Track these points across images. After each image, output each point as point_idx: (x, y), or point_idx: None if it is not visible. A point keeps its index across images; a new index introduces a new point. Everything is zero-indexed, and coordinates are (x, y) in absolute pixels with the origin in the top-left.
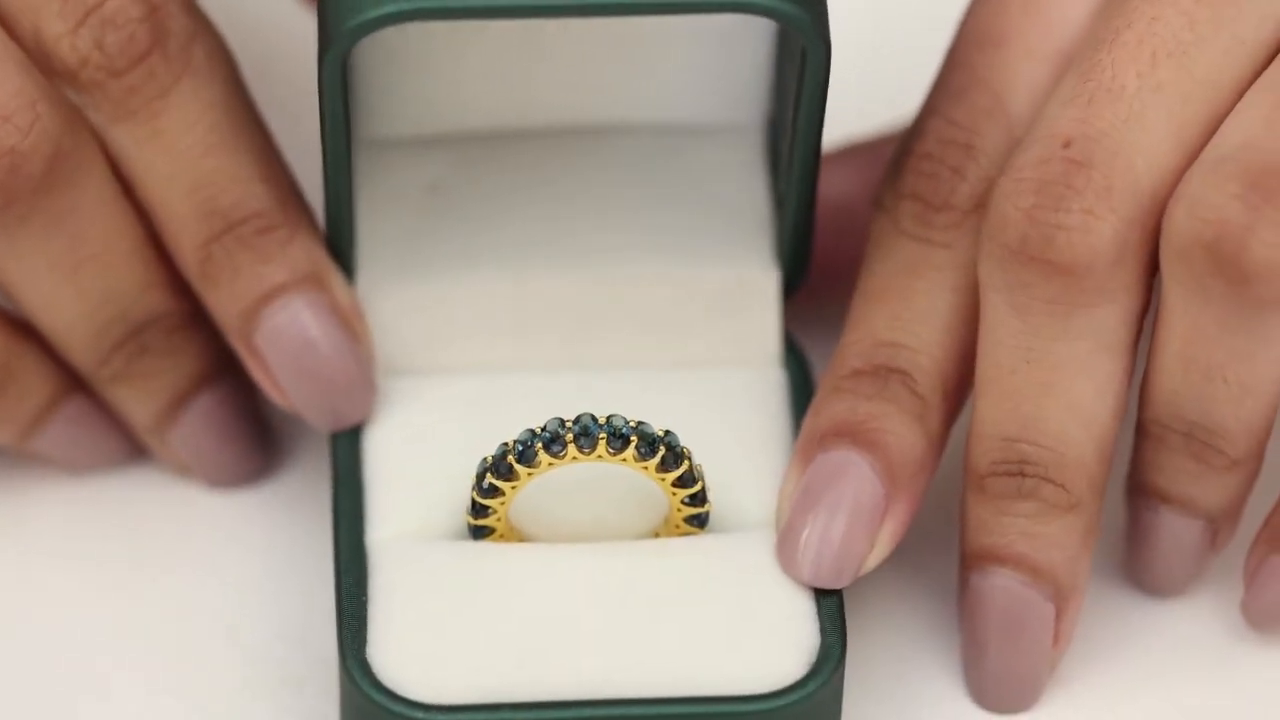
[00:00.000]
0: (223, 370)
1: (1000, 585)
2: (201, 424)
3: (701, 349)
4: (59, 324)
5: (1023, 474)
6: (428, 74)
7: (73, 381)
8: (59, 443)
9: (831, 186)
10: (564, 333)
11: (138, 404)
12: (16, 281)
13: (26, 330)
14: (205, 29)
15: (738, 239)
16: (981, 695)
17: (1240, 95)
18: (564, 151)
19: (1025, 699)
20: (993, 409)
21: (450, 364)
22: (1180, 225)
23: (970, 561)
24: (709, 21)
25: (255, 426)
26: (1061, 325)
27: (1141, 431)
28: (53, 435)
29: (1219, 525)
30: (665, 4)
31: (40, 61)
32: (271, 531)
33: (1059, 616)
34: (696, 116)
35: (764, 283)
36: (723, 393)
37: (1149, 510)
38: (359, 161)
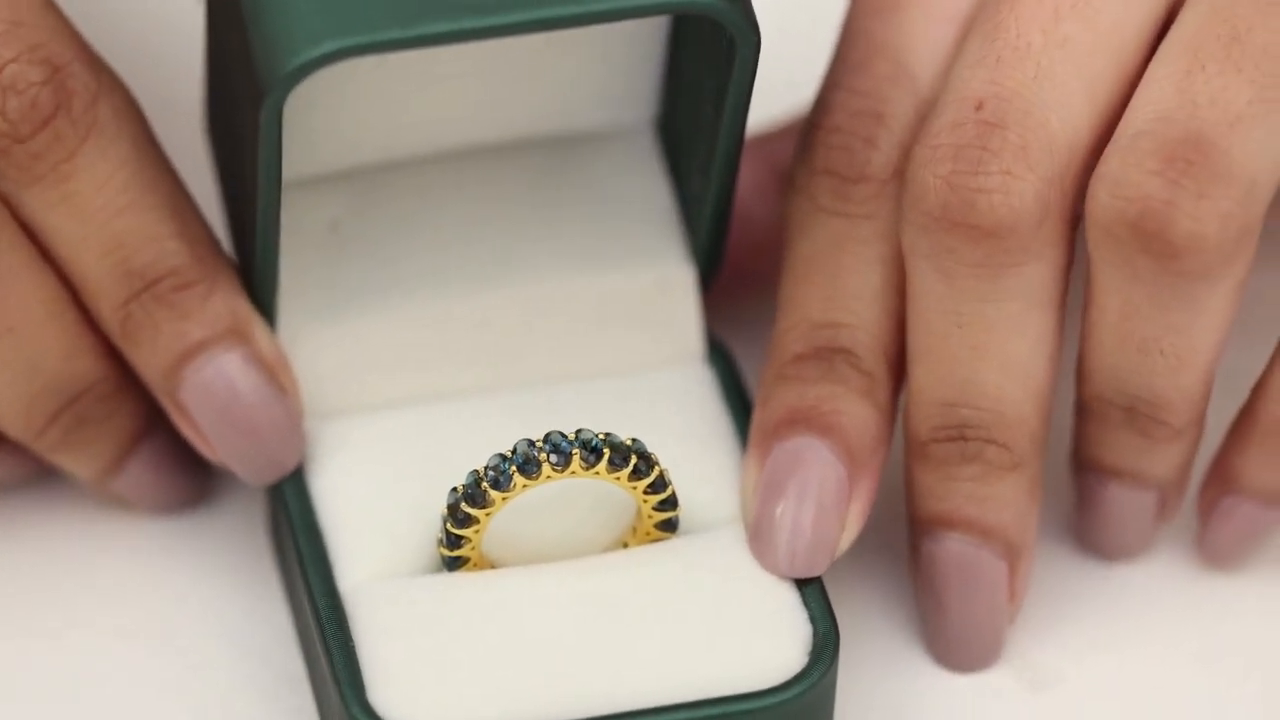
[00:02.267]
0: (156, 420)
1: (953, 549)
2: (144, 471)
3: (626, 354)
4: None
5: (964, 438)
6: (318, 111)
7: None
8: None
9: None
10: (488, 354)
11: (80, 466)
12: None
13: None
14: (110, 85)
15: (649, 240)
16: (944, 656)
17: (1147, 45)
18: (462, 173)
19: (987, 656)
20: (929, 375)
21: (381, 400)
22: (1103, 205)
23: (920, 527)
24: (598, 28)
25: (196, 461)
26: (989, 287)
27: (1083, 408)
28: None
29: (1168, 494)
30: (600, 12)
31: None
32: (236, 556)
33: (1012, 573)
34: (588, 123)
35: (682, 280)
36: (655, 395)
37: (1098, 485)
38: None
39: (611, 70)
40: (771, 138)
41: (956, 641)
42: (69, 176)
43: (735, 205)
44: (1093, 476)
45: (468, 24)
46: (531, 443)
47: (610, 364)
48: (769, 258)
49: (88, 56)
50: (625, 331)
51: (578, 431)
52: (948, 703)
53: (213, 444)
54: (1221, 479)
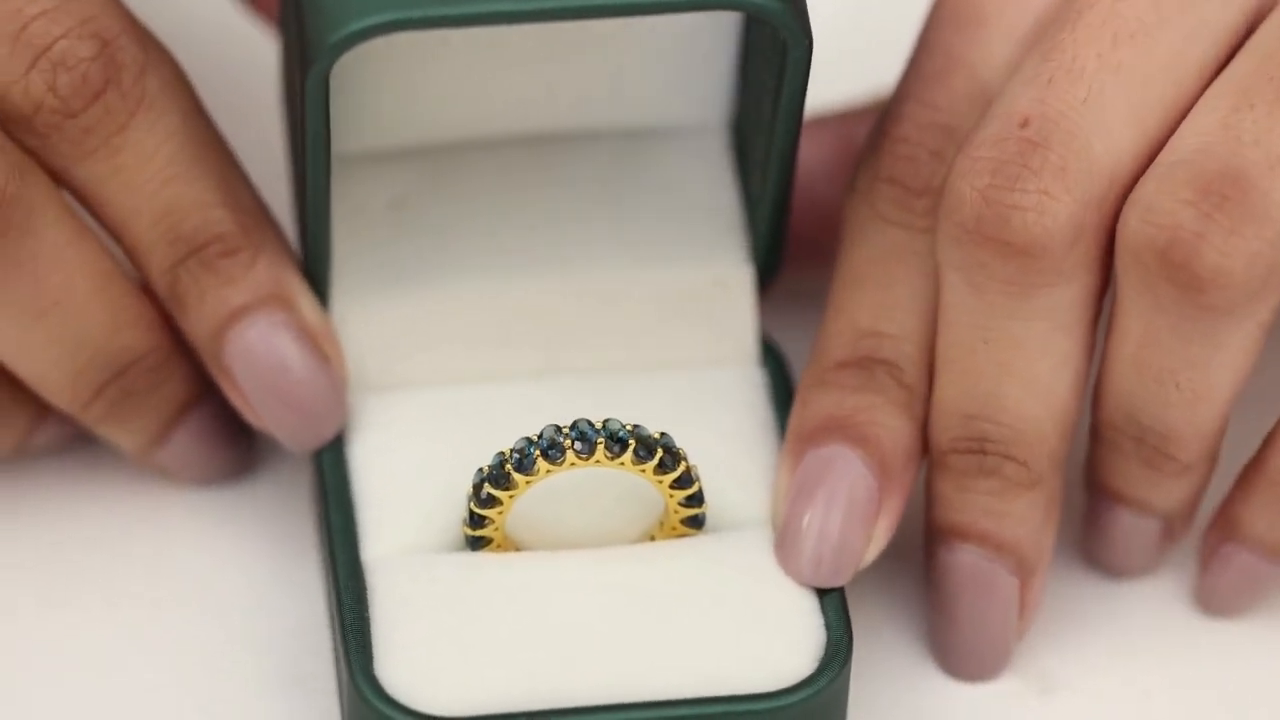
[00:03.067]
0: (205, 390)
1: (966, 560)
2: (188, 443)
3: (679, 350)
4: (33, 371)
5: (984, 451)
6: (389, 87)
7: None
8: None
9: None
10: (541, 340)
11: (125, 437)
12: None
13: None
14: (159, 58)
15: (710, 239)
16: (949, 664)
17: (1203, 81)
18: (530, 159)
19: (992, 668)
20: (952, 387)
21: (430, 377)
22: (1134, 230)
23: (936, 536)
24: (671, 23)
25: (240, 434)
26: (1018, 305)
27: (1095, 433)
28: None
29: (1174, 523)
30: (648, 4)
31: None
32: (278, 527)
33: (1024, 588)
34: (661, 119)
35: (739, 281)
36: (704, 393)
37: (1105, 507)
38: None
39: (685, 67)
40: (848, 117)
41: (963, 651)
42: (119, 149)
43: (804, 179)
44: (1101, 498)
45: (514, 6)
46: (559, 429)
47: (662, 359)
48: (831, 237)
49: (136, 30)
50: (679, 327)
51: (605, 421)
52: (963, 713)
53: (256, 408)
54: (1224, 526)
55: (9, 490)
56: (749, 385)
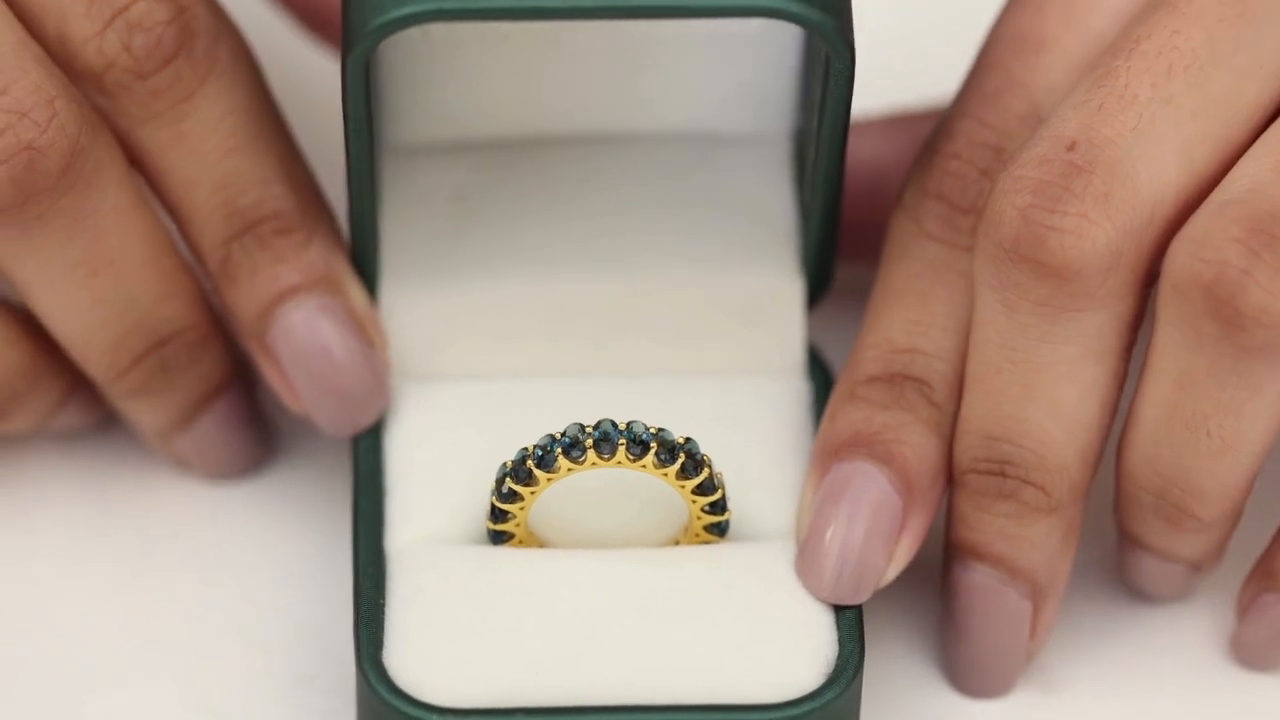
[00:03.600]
0: (234, 377)
1: (979, 581)
2: (210, 430)
3: (725, 357)
4: (76, 331)
5: (1004, 474)
6: (454, 79)
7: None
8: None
9: (865, 152)
10: (588, 339)
11: (150, 415)
12: (33, 285)
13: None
14: (230, 31)
15: (763, 248)
16: (956, 679)
17: (1254, 121)
18: (590, 159)
19: (999, 687)
20: (977, 406)
21: (475, 369)
22: (1180, 264)
23: (953, 552)
24: (737, 30)
25: (260, 428)
26: (1048, 327)
27: (1117, 483)
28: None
29: (1200, 564)
30: (686, 7)
31: (64, 64)
32: (283, 527)
33: (1037, 613)
34: (724, 125)
35: (788, 292)
36: (745, 401)
37: (1129, 549)
38: (384, 167)
39: (749, 75)
40: (919, 118)
41: (971, 668)
42: (186, 115)
43: (878, 177)
44: (1125, 540)
45: (549, 4)
46: (582, 427)
47: (707, 365)
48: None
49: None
50: (726, 335)
51: (629, 423)
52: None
53: (296, 389)
54: (1263, 576)
55: (9, 486)
56: (792, 396)
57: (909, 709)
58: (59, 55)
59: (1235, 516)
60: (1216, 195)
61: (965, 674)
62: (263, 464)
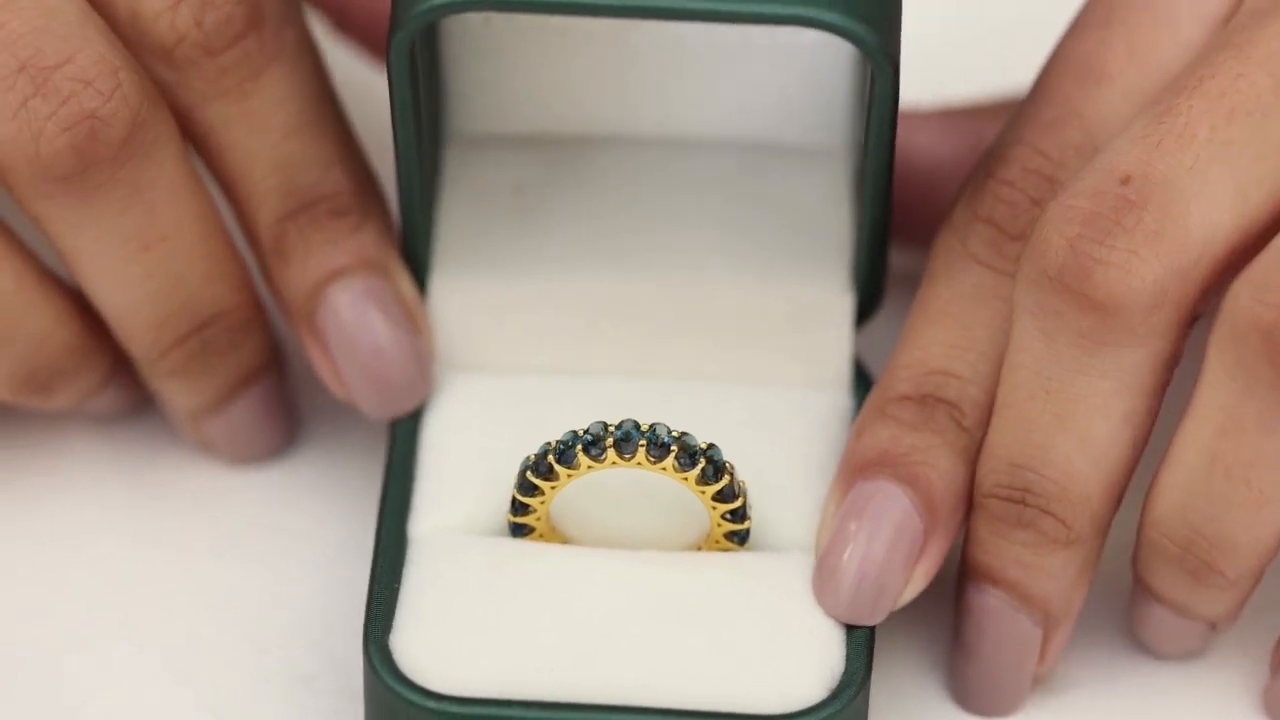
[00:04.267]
0: (270, 365)
1: (991, 604)
2: (243, 417)
3: (769, 367)
4: (122, 305)
5: (1024, 502)
6: (520, 74)
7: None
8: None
9: (921, 145)
10: (634, 340)
11: (185, 397)
12: (86, 256)
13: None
14: (297, 18)
15: (815, 260)
16: (962, 698)
17: None
18: (650, 161)
19: (1005, 708)
20: (1006, 430)
21: (518, 363)
22: (1242, 307)
23: (967, 572)
24: (801, 39)
25: (289, 416)
26: (1086, 359)
27: (1141, 531)
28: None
29: (1217, 623)
30: (723, 12)
31: (134, 38)
32: (285, 527)
33: (1047, 640)
34: (786, 135)
35: (838, 305)
36: (785, 412)
37: (1144, 602)
38: (449, 155)
39: (812, 86)
40: (980, 113)
41: (978, 688)
42: (251, 94)
43: (931, 171)
44: (1141, 590)
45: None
46: (605, 426)
47: (750, 373)
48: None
49: None
50: (771, 345)
51: (653, 425)
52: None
53: (341, 371)
54: None
55: (8, 484)
56: (832, 411)
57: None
58: (130, 30)
59: (1258, 577)
60: None
61: (972, 693)
62: (286, 451)
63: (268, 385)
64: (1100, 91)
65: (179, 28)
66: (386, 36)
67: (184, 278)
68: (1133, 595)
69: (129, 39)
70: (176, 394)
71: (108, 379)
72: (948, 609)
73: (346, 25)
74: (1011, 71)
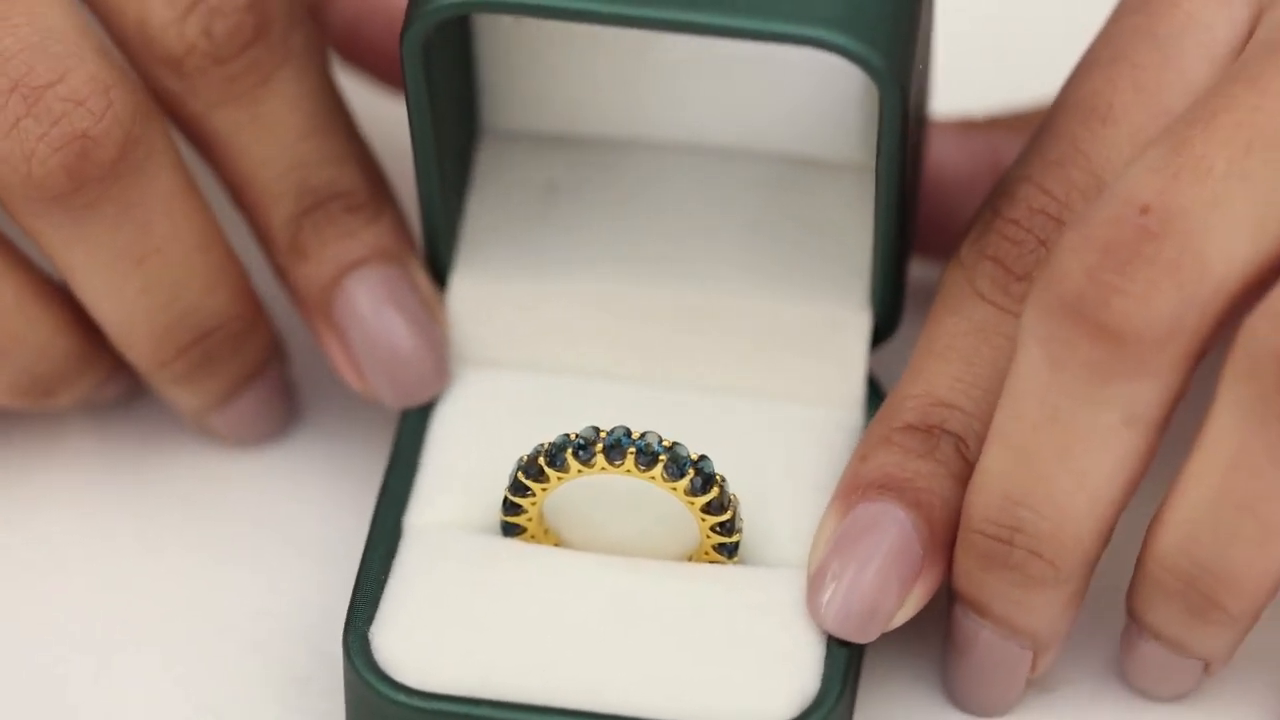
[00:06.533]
0: (271, 359)
1: (980, 634)
2: (245, 410)
3: (782, 382)
4: (121, 320)
5: (1012, 543)
6: (555, 73)
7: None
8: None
9: (935, 157)
10: (649, 347)
11: (188, 399)
12: (82, 271)
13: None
14: (303, 19)
15: (834, 277)
16: (957, 700)
17: None
18: (678, 168)
19: (998, 710)
20: (1002, 461)
21: (532, 362)
22: (1260, 338)
23: (955, 597)
24: (810, 58)
25: (291, 399)
26: (1094, 390)
27: (1141, 566)
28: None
29: (1211, 663)
30: (732, 28)
31: (141, 48)
32: (282, 528)
33: (1037, 659)
34: (817, 150)
35: (854, 324)
36: (793, 429)
37: (1141, 639)
38: (483, 150)
39: (844, 102)
40: (993, 127)
41: (970, 695)
42: (261, 99)
43: (943, 180)
44: (1138, 629)
45: (598, 7)
46: (596, 431)
47: (763, 388)
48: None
49: None
50: (785, 360)
51: (644, 433)
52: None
53: (360, 360)
54: None
55: (3, 486)
56: (842, 429)
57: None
58: (137, 40)
59: (1258, 615)
60: None
61: (964, 698)
62: (285, 452)
63: (270, 378)
64: (1106, 132)
65: (188, 38)
66: (400, 32)
67: (182, 289)
68: (1125, 634)
69: (136, 49)
70: (180, 397)
71: (109, 377)
72: (939, 611)
73: (356, 53)
74: (1031, 84)
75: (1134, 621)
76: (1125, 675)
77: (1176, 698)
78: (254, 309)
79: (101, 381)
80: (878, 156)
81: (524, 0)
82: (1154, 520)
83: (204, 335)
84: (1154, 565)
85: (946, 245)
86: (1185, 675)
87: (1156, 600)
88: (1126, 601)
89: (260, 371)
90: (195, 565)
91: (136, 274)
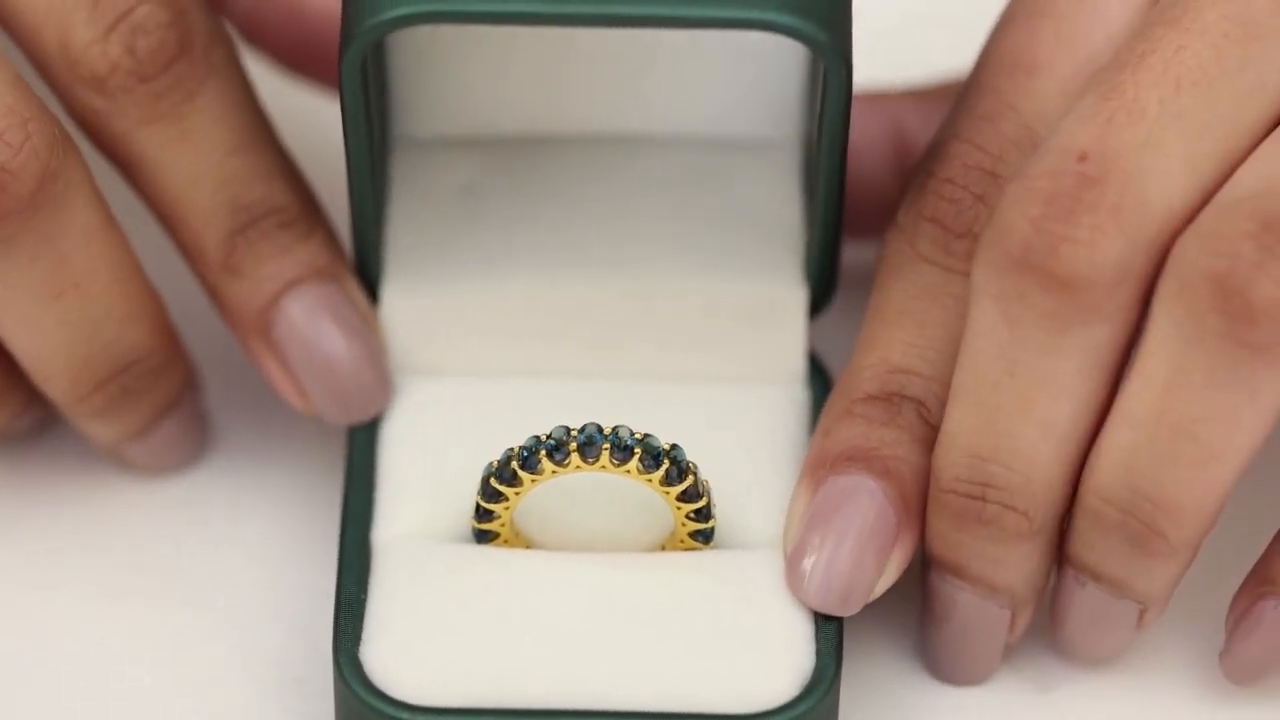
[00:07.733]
0: (186, 390)
1: (958, 596)
2: (164, 440)
3: (725, 364)
4: (39, 352)
5: (985, 498)
6: (466, 75)
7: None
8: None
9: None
10: (588, 341)
11: (105, 432)
12: None
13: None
14: (224, 34)
15: (767, 256)
16: (935, 670)
17: (1256, 138)
18: (599, 160)
19: (977, 678)
20: (966, 420)
21: (473, 366)
22: (1189, 258)
23: (931, 562)
24: (750, 35)
25: (204, 427)
26: (1051, 340)
27: (1078, 502)
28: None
29: (1148, 607)
30: (678, 18)
31: (64, 69)
32: (274, 529)
33: (1015, 618)
34: (733, 131)
35: (791, 300)
36: (743, 409)
37: (1076, 583)
38: (396, 159)
39: (759, 81)
40: (897, 98)
41: (949, 662)
42: (187, 115)
43: (867, 157)
44: (1071, 574)
45: (542, 8)
46: (568, 430)
47: (707, 371)
48: (872, 213)
49: (204, 2)
50: (727, 342)
51: (615, 428)
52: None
53: (301, 379)
54: (1261, 581)
55: (12, 488)
56: (790, 406)
57: (890, 702)
58: (60, 61)
59: (1196, 547)
60: (1226, 193)
61: (943, 666)
62: (279, 453)
63: (186, 409)
64: (1033, 83)
65: (111, 56)
66: (339, 50)
67: (100, 323)
68: (1059, 586)
69: (58, 70)
70: (98, 430)
71: (24, 410)
72: (916, 585)
73: (258, 36)
74: (947, 58)
75: (1070, 565)
76: (1057, 632)
77: (1109, 656)
78: (172, 342)
79: (16, 414)
80: (819, 130)
81: (471, 8)
82: (1091, 453)
83: (123, 369)
84: (1092, 498)
85: (851, 212)
86: (1121, 625)
87: (1095, 536)
88: (1063, 549)
89: (177, 403)
90: (189, 566)
91: (54, 308)
